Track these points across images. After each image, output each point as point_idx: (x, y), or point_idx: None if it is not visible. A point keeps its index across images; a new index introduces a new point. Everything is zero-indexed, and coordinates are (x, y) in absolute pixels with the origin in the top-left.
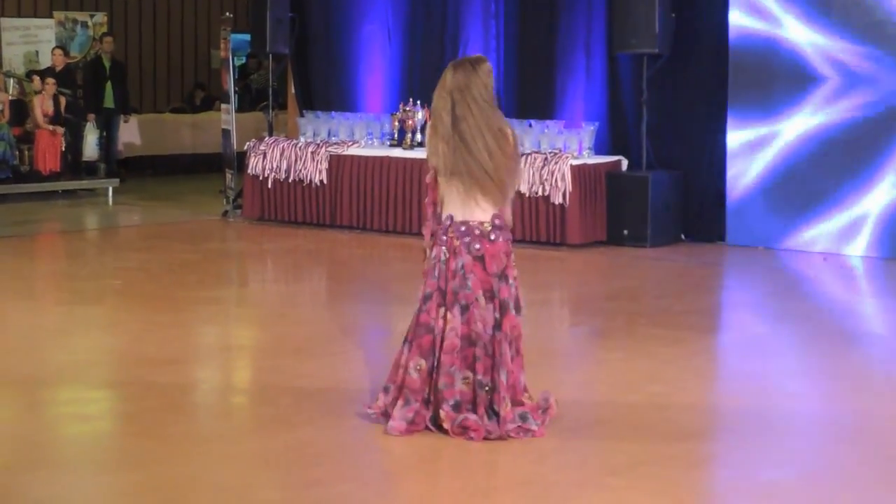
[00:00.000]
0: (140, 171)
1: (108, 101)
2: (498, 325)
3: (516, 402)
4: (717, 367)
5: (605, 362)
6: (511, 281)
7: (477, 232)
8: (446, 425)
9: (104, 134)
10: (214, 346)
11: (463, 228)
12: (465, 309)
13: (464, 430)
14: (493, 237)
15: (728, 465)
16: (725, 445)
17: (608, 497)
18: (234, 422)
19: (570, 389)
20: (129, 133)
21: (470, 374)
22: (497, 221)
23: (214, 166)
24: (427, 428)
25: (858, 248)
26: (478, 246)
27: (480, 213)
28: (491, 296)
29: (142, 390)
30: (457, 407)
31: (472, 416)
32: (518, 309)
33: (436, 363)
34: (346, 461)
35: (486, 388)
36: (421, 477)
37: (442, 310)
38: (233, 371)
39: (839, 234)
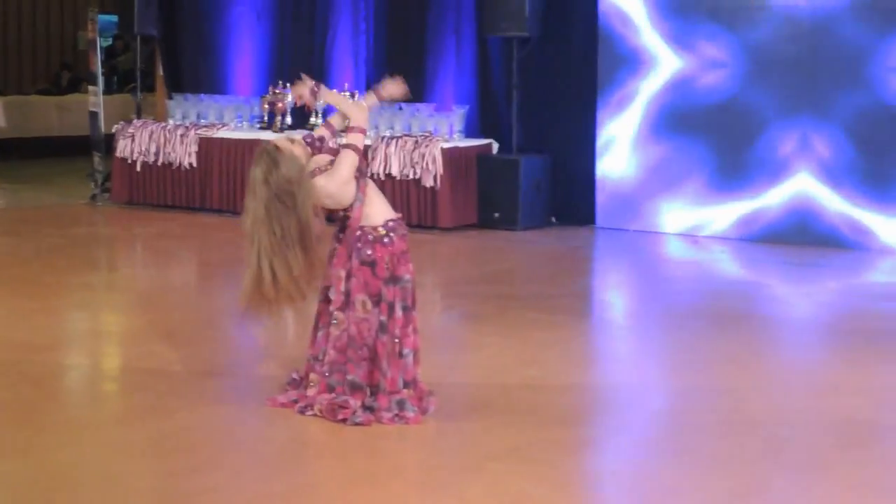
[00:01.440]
0: (5, 154)
1: None
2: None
3: (393, 392)
4: (592, 350)
5: (480, 346)
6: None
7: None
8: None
9: None
10: (87, 332)
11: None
12: None
13: (337, 409)
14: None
15: (606, 448)
16: (603, 429)
17: (489, 482)
18: (111, 409)
19: (445, 373)
20: None
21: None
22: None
23: (81, 149)
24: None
25: (728, 231)
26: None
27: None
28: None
29: (15, 378)
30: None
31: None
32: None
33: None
34: (225, 448)
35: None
36: (300, 464)
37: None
38: (107, 357)
39: (708, 216)
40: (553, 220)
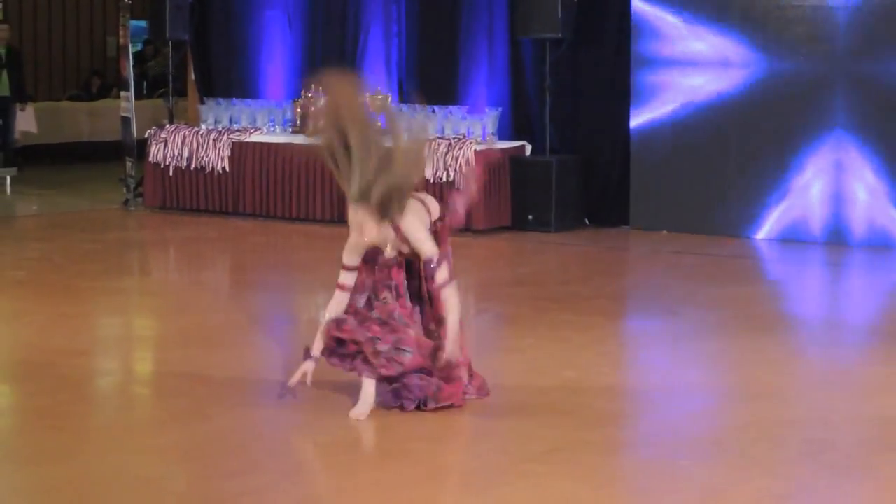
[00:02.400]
0: (37, 160)
1: (4, 90)
2: None
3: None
4: (629, 351)
5: (517, 349)
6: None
7: None
8: None
9: (0, 122)
10: (123, 337)
11: None
12: None
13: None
14: None
15: (646, 449)
16: (642, 430)
17: (530, 484)
18: (149, 413)
19: (483, 376)
20: (26, 121)
21: None
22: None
23: (112, 154)
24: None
25: (763, 232)
26: None
27: None
28: None
29: (53, 383)
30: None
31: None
32: None
33: None
34: (264, 452)
35: None
36: (340, 467)
37: None
38: (144, 362)
39: (743, 217)
40: (586, 221)
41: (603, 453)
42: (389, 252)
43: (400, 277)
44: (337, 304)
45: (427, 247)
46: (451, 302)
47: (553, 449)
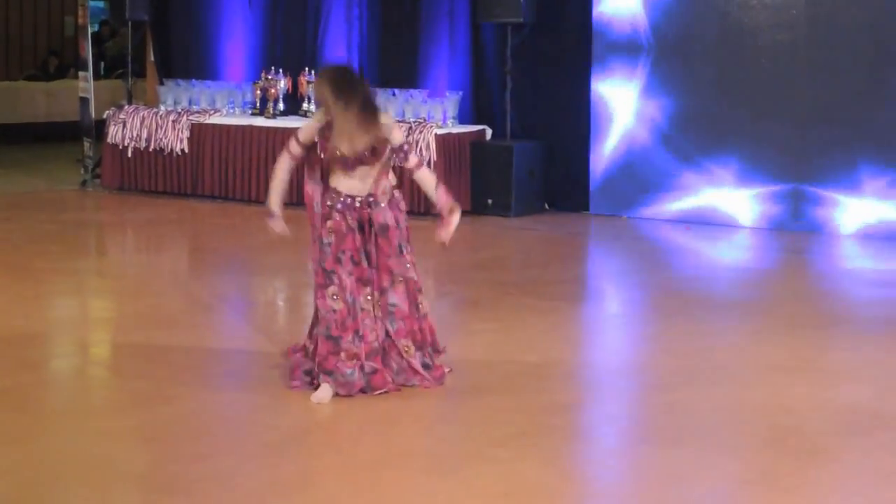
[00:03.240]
0: None
1: None
2: None
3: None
4: (590, 336)
5: (480, 332)
6: None
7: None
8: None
9: None
10: (82, 319)
11: None
12: None
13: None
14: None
15: (609, 434)
16: (605, 414)
17: (497, 469)
18: (110, 395)
19: (447, 360)
20: None
21: None
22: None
23: (70, 135)
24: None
25: (720, 217)
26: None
27: None
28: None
29: (13, 364)
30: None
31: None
32: None
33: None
34: (229, 434)
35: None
36: (304, 450)
37: None
38: (104, 344)
39: (700, 204)
40: (546, 206)
41: (567, 438)
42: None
43: (355, 244)
44: (283, 170)
45: (397, 134)
46: (429, 177)
47: (517, 433)
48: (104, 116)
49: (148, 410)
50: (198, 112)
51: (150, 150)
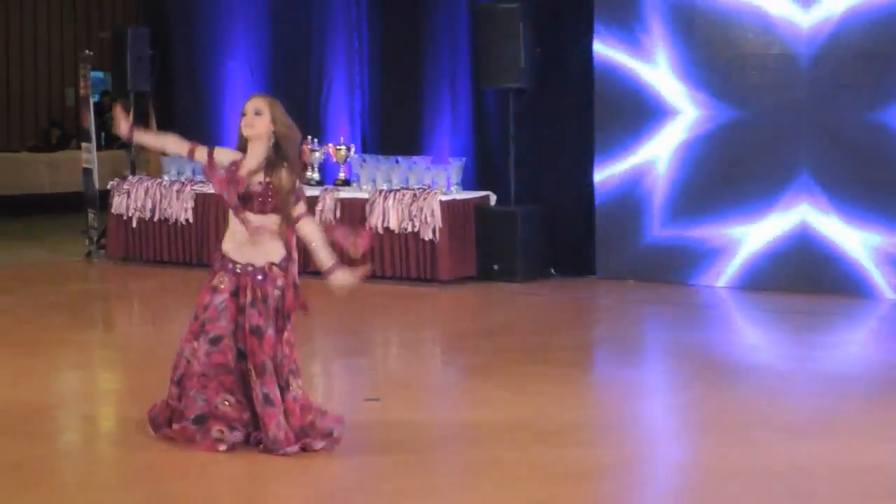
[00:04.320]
0: None
1: None
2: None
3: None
4: (603, 403)
5: (488, 400)
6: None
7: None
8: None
9: None
10: (92, 392)
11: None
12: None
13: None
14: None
15: (624, 501)
16: (623, 483)
17: None
18: (124, 469)
19: (455, 428)
20: None
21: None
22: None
23: (73, 206)
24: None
25: (727, 280)
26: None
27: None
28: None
29: (26, 438)
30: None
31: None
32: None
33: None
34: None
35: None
36: None
37: None
38: (115, 417)
39: (707, 265)
40: (552, 271)
41: None
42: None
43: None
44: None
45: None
46: (312, 227)
47: (532, 501)
48: (108, 187)
49: (161, 484)
50: (201, 182)
51: (155, 220)
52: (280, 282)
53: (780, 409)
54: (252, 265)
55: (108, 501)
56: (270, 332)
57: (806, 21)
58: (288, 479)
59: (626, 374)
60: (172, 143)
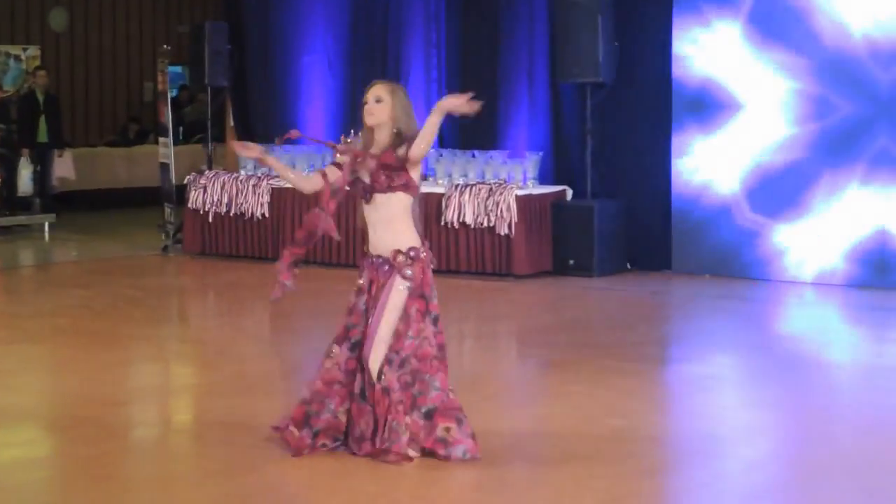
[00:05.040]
0: (74, 206)
1: (42, 136)
2: None
3: None
4: (677, 399)
5: (564, 395)
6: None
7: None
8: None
9: (38, 169)
10: (168, 386)
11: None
12: None
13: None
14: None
15: (698, 500)
16: (694, 480)
17: None
18: (196, 464)
19: (531, 423)
20: (64, 168)
21: None
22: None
23: (150, 200)
24: None
25: (805, 275)
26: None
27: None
28: None
29: (99, 433)
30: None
31: None
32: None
33: None
34: (319, 502)
35: None
36: None
37: None
38: (190, 411)
39: (784, 261)
40: (628, 265)
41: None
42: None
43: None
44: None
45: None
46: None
47: (606, 499)
48: (184, 182)
49: (233, 479)
50: (277, 177)
51: (231, 214)
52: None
53: (858, 405)
54: (381, 256)
55: (180, 497)
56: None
57: (885, 14)
58: (358, 474)
59: (702, 369)
60: (300, 179)
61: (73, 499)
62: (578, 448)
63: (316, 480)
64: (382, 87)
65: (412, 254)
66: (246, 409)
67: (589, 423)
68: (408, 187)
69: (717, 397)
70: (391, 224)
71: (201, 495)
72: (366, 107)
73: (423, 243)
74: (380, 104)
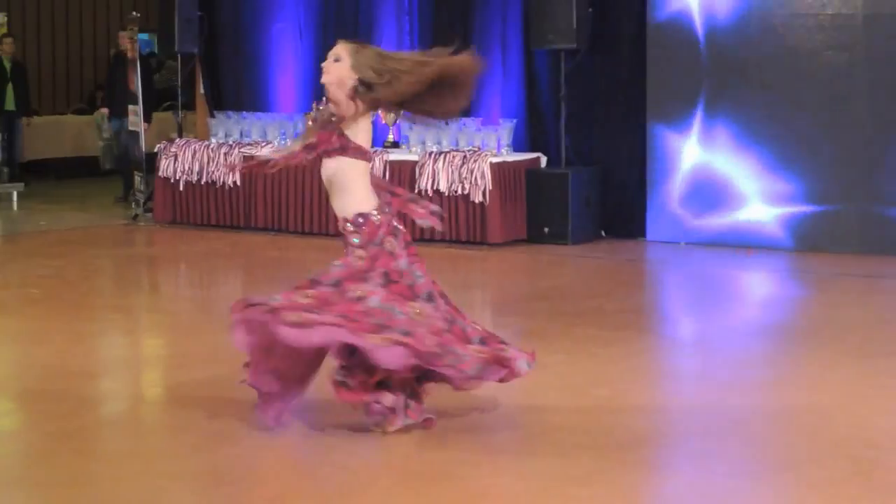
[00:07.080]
0: (42, 175)
1: (10, 104)
2: None
3: None
4: (659, 366)
5: (547, 365)
6: None
7: None
8: None
9: (6, 137)
10: (144, 357)
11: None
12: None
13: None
14: None
15: (685, 468)
16: (683, 450)
17: None
18: (174, 437)
19: (516, 394)
20: (32, 136)
21: None
22: None
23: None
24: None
25: (778, 241)
26: None
27: None
28: None
29: (75, 405)
30: None
31: None
32: None
33: None
34: (299, 476)
35: None
36: (381, 493)
37: None
38: (165, 383)
39: (759, 228)
40: (603, 233)
41: (644, 474)
42: None
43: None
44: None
45: None
46: None
47: (593, 470)
48: (154, 150)
49: (213, 452)
50: (249, 144)
51: (202, 183)
52: None
53: (841, 374)
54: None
55: (159, 470)
56: None
57: None
58: (347, 448)
59: (679, 336)
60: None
61: (49, 473)
62: (564, 418)
63: (298, 453)
64: (342, 47)
65: (360, 220)
66: (223, 379)
67: (571, 392)
68: (345, 150)
69: (698, 365)
70: (341, 191)
71: (180, 469)
72: (323, 64)
73: (380, 209)
74: (337, 63)
